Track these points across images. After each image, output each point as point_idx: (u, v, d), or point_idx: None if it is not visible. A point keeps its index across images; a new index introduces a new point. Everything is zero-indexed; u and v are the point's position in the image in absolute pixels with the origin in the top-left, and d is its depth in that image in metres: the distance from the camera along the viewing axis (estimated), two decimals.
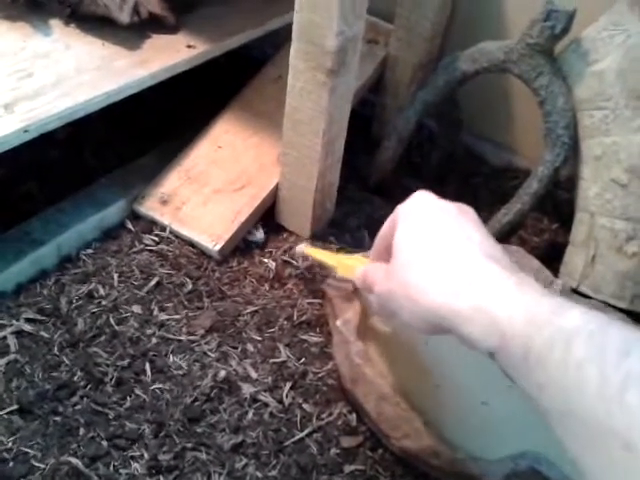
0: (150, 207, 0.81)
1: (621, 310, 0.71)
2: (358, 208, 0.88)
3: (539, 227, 0.88)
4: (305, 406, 0.64)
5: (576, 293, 0.72)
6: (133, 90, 0.74)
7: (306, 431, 0.62)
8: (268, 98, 0.90)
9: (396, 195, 0.92)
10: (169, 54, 0.78)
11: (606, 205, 0.73)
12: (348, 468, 0.60)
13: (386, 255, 0.50)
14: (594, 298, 0.73)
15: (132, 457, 0.57)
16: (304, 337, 0.70)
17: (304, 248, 0.72)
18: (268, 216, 0.83)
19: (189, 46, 0.80)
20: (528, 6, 0.78)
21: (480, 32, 0.87)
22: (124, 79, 0.73)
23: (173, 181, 0.83)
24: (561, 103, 0.76)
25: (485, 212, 0.89)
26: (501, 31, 0.89)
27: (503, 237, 0.81)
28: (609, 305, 0.71)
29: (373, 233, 0.86)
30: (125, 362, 0.65)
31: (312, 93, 0.70)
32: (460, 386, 0.65)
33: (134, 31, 0.79)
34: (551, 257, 0.80)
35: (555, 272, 0.76)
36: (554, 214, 0.89)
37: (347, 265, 0.60)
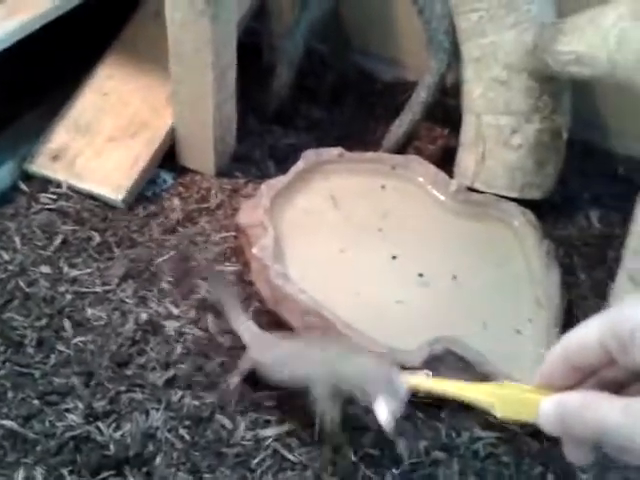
0: (41, 165, 0.78)
1: (512, 199, 0.76)
2: (260, 140, 0.88)
3: (432, 135, 0.92)
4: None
5: (471, 190, 0.76)
6: (3, 45, 0.70)
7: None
8: (149, 37, 0.87)
9: (295, 122, 0.94)
10: (38, 2, 0.74)
11: (490, 104, 0.77)
12: None
13: (572, 377, 0.30)
14: (487, 192, 0.78)
15: (66, 410, 0.58)
16: (221, 269, 0.71)
17: (421, 380, 0.38)
18: (170, 158, 0.82)
19: None
20: None
21: None
22: None
23: (62, 135, 0.80)
24: (438, 9, 0.78)
25: (383, 127, 0.91)
26: None
27: (400, 148, 0.84)
28: (501, 196, 0.76)
29: (278, 163, 0.87)
30: (43, 322, 0.64)
31: (194, 23, 0.69)
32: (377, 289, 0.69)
33: None
34: (446, 161, 0.84)
35: (451, 175, 0.80)
36: (445, 121, 0.92)
37: (516, 399, 0.32)
